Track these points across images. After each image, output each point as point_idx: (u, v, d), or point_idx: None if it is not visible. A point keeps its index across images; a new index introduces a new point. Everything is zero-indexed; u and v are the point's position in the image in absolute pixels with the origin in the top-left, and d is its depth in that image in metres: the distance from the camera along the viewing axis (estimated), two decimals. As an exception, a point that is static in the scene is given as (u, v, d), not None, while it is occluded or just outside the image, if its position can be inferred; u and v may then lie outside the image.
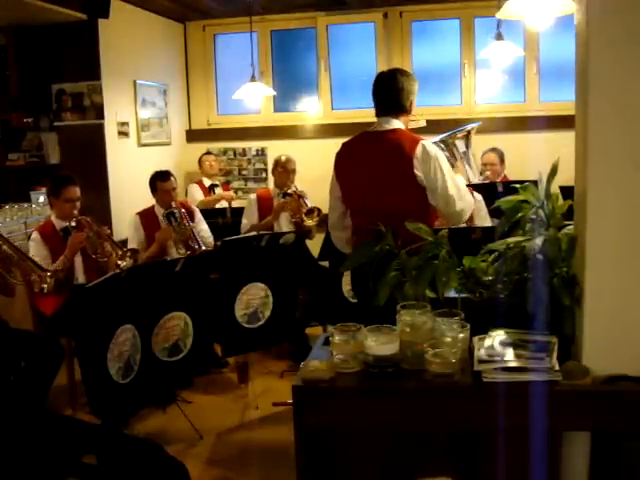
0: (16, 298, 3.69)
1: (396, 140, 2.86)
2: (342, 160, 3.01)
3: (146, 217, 4.48)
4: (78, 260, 3.99)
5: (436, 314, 1.93)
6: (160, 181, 4.47)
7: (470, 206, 2.94)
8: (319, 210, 4.72)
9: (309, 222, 4.72)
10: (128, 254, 3.84)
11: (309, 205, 4.75)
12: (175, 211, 4.38)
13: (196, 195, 5.65)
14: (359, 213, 2.93)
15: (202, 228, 4.55)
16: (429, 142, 2.90)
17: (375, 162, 2.88)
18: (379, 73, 3.03)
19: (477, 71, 5.94)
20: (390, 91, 2.91)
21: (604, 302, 1.78)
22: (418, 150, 2.80)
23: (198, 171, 6.06)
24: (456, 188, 2.84)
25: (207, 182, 5.85)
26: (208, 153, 6.04)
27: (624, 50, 1.71)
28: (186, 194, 5.85)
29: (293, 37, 6.46)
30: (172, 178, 4.52)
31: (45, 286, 3.47)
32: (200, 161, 5.95)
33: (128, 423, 3.41)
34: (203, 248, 4.29)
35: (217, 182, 5.92)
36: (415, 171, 2.79)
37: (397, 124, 2.91)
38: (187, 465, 2.18)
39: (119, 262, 3.81)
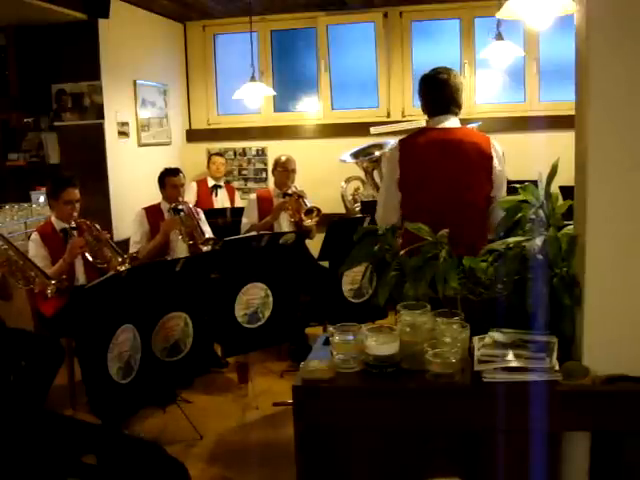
0: (16, 298, 3.69)
1: (472, 136, 2.92)
2: (408, 158, 2.90)
3: (152, 212, 4.52)
4: (78, 261, 3.99)
5: (436, 314, 1.93)
6: (170, 176, 4.54)
7: None
8: (318, 210, 4.73)
9: (308, 222, 4.73)
10: (128, 260, 3.82)
11: (309, 205, 4.75)
12: (181, 207, 4.43)
13: (189, 196, 5.62)
14: (420, 213, 2.73)
15: (205, 229, 4.57)
16: None
17: (452, 158, 2.85)
18: (432, 73, 2.97)
19: (477, 71, 5.94)
20: (448, 89, 2.92)
21: (604, 302, 1.78)
22: (495, 146, 2.90)
23: (200, 171, 6.07)
24: None
25: (211, 182, 5.86)
26: (218, 154, 6.05)
27: (624, 50, 1.71)
28: None
29: (293, 37, 6.46)
30: (181, 174, 4.60)
31: (48, 292, 3.48)
32: (208, 161, 5.96)
33: (128, 423, 3.41)
34: (207, 236, 4.33)
35: (221, 183, 5.93)
36: (495, 166, 2.86)
37: (457, 122, 2.94)
38: (187, 465, 2.18)
39: (119, 268, 3.80)
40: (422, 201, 2.87)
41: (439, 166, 2.86)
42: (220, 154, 6.09)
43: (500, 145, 2.95)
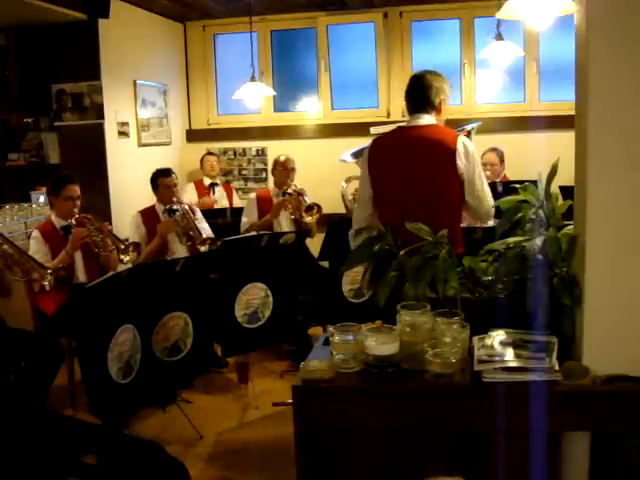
0: (16, 297, 3.69)
1: (436, 133, 2.95)
2: (376, 156, 3.00)
3: (147, 215, 4.50)
4: (79, 259, 4.00)
5: (436, 314, 1.93)
6: (162, 177, 4.53)
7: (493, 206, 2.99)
8: (319, 207, 4.73)
9: (309, 219, 4.74)
10: (131, 248, 3.84)
11: (308, 202, 4.75)
12: (176, 207, 4.41)
13: (189, 196, 5.63)
14: (392, 210, 2.89)
15: (202, 227, 4.56)
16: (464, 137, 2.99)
17: (415, 155, 2.91)
18: (412, 78, 3.07)
19: (477, 71, 5.94)
20: (420, 89, 2.99)
21: (604, 302, 1.78)
22: (459, 143, 2.89)
23: (198, 171, 6.07)
24: (487, 186, 2.95)
25: (207, 181, 5.87)
26: (210, 154, 6.04)
27: (624, 50, 1.71)
28: None
29: (293, 37, 6.46)
30: (173, 175, 4.58)
31: (46, 284, 3.47)
32: (202, 161, 5.96)
33: (128, 423, 3.41)
34: (204, 236, 4.32)
35: (217, 181, 5.92)
36: (458, 163, 2.86)
37: (431, 120, 2.98)
38: (187, 465, 2.18)
39: (122, 257, 3.82)
40: (390, 197, 2.95)
41: (402, 163, 2.92)
42: (212, 153, 6.06)
43: (471, 143, 2.96)
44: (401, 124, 3.34)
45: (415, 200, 2.85)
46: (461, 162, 2.87)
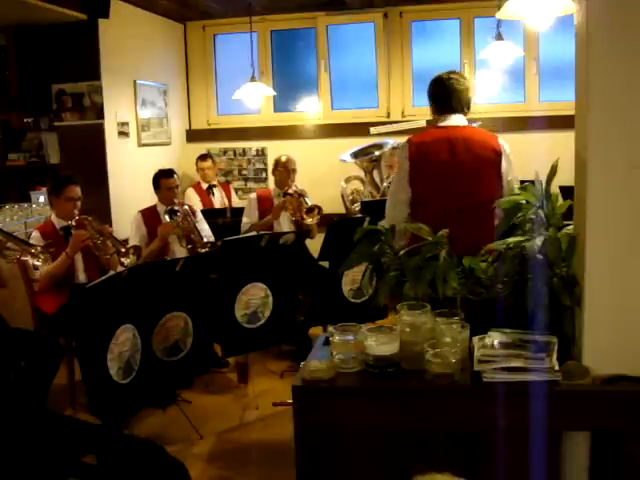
0: (16, 297, 3.69)
1: (480, 134, 3.00)
2: (419, 156, 2.94)
3: (148, 215, 4.50)
4: (79, 259, 3.99)
5: (436, 314, 1.93)
6: (164, 178, 4.52)
7: None
8: (319, 208, 4.73)
9: (310, 220, 4.74)
10: (131, 251, 3.85)
11: (309, 204, 4.75)
12: (177, 208, 4.42)
13: (192, 201, 5.59)
14: (434, 210, 2.85)
15: (203, 228, 4.56)
16: None
17: (464, 155, 2.90)
18: (440, 78, 3.06)
19: (477, 71, 5.94)
20: (460, 89, 3.01)
21: (604, 302, 1.78)
22: (502, 144, 2.95)
23: (197, 173, 6.05)
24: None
25: (205, 185, 5.82)
26: (203, 158, 5.85)
27: (624, 50, 1.71)
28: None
29: (293, 37, 6.46)
30: (175, 176, 4.58)
31: (39, 263, 3.45)
32: (196, 166, 5.89)
33: (128, 423, 3.41)
34: (205, 240, 4.32)
35: (215, 183, 5.87)
36: (503, 163, 2.92)
37: (465, 120, 3.02)
38: (187, 465, 2.18)
39: (122, 259, 3.82)
40: (432, 198, 2.91)
41: (449, 163, 2.90)
42: (204, 157, 5.86)
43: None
44: (422, 124, 3.35)
45: (460, 200, 2.85)
46: (505, 163, 2.93)
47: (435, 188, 2.92)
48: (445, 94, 3.01)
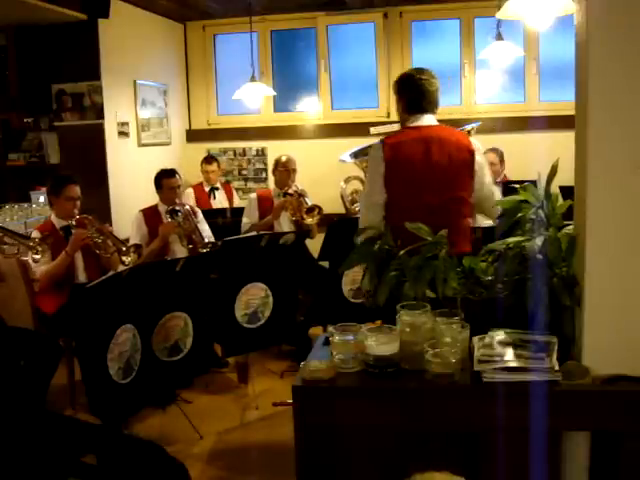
0: (16, 297, 3.69)
1: (452, 132, 3.01)
2: (393, 158, 2.90)
3: (149, 214, 4.50)
4: (79, 259, 4.00)
5: (436, 314, 1.93)
6: (166, 178, 4.52)
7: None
8: (320, 208, 4.73)
9: (310, 220, 4.74)
10: (132, 249, 3.85)
11: (309, 204, 4.75)
12: (179, 208, 4.42)
13: (188, 202, 5.57)
14: (410, 210, 2.75)
15: (203, 228, 4.57)
16: None
17: (438, 154, 2.90)
18: (411, 77, 3.02)
19: (477, 71, 5.94)
20: (429, 89, 2.98)
21: (604, 302, 1.78)
22: (474, 142, 2.97)
23: (198, 171, 6.05)
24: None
25: (207, 187, 5.81)
26: (208, 160, 5.84)
27: (624, 50, 1.71)
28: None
29: (293, 37, 6.46)
30: (177, 176, 4.58)
31: (38, 256, 3.45)
32: (201, 167, 5.87)
33: (128, 423, 3.41)
34: (206, 240, 4.32)
35: (217, 186, 5.88)
36: (477, 160, 2.93)
37: (435, 119, 3.01)
38: (187, 465, 2.18)
39: (123, 258, 3.83)
40: (408, 198, 2.89)
41: (425, 163, 2.90)
42: (210, 159, 5.86)
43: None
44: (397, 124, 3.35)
45: (435, 200, 2.85)
46: (479, 160, 2.95)
47: (411, 188, 2.89)
48: (417, 95, 2.98)
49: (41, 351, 3.40)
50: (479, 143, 3.03)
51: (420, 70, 3.04)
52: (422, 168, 2.88)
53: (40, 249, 3.45)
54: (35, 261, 3.53)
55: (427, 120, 2.97)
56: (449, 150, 2.90)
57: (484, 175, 2.98)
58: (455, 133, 3.03)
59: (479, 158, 2.96)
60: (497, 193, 3.07)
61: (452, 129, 3.06)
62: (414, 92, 2.98)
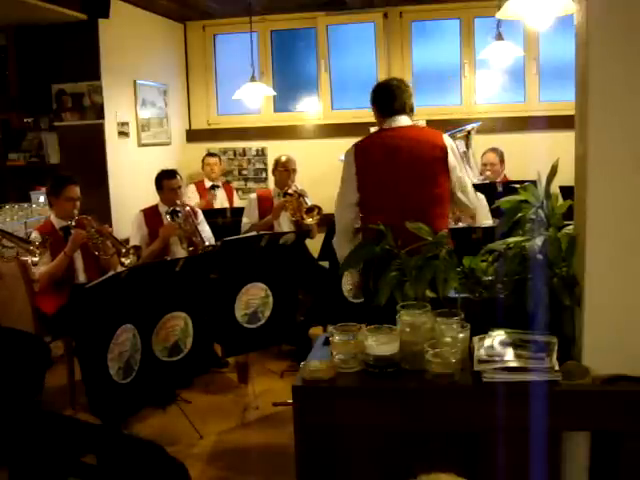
0: (16, 297, 3.69)
1: (423, 132, 3.09)
2: (363, 160, 3.05)
3: (149, 215, 4.50)
4: (79, 259, 4.00)
5: (436, 314, 1.93)
6: (166, 179, 4.51)
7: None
8: (319, 208, 4.73)
9: (309, 220, 4.73)
10: (131, 251, 3.85)
11: (309, 204, 4.75)
12: (179, 209, 4.42)
13: (191, 198, 5.61)
14: (381, 211, 2.89)
15: (204, 229, 4.56)
16: None
17: (406, 155, 2.97)
18: (384, 83, 3.22)
19: (477, 71, 5.94)
20: (398, 92, 3.10)
21: (604, 302, 1.78)
22: (447, 140, 3.01)
23: (198, 171, 6.06)
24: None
25: (208, 183, 5.85)
26: (211, 155, 5.97)
27: (624, 50, 1.71)
28: None
29: (293, 37, 6.46)
30: (178, 176, 4.59)
31: (37, 259, 3.45)
32: (203, 162, 5.94)
33: (128, 423, 3.41)
34: (207, 243, 4.32)
35: (218, 183, 5.90)
36: (450, 159, 2.97)
37: (409, 120, 3.08)
38: (187, 465, 2.18)
39: (123, 259, 3.83)
40: (381, 199, 2.99)
41: (393, 163, 2.97)
42: (212, 154, 5.99)
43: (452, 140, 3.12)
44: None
45: (408, 199, 2.91)
46: (452, 158, 2.98)
47: (382, 190, 2.99)
48: (387, 97, 3.10)
49: (28, 351, 3.39)
50: (452, 141, 3.09)
51: (392, 78, 3.25)
52: (388, 168, 2.98)
53: (38, 252, 3.45)
54: (34, 264, 3.53)
55: (400, 121, 3.06)
56: (419, 150, 2.97)
57: (462, 174, 3.04)
58: (426, 132, 3.12)
59: (453, 157, 3.00)
60: (470, 184, 3.12)
61: (424, 128, 3.17)
62: (385, 96, 3.12)
